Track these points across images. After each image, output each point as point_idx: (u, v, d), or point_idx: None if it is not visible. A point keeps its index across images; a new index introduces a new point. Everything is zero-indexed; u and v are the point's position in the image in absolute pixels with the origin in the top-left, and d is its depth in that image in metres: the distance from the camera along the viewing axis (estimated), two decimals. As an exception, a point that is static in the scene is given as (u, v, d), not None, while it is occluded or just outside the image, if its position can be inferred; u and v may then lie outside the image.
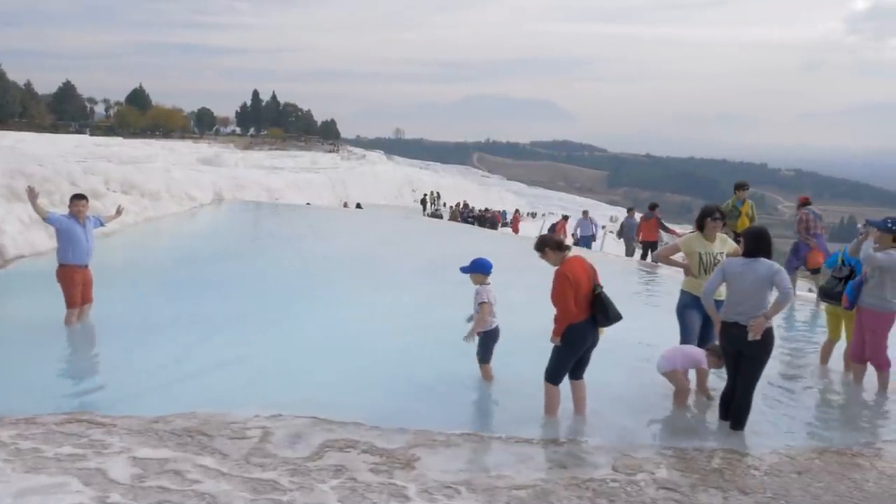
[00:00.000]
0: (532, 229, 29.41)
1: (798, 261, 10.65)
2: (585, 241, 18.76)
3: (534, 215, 55.81)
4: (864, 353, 6.20)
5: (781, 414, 5.72)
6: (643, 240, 14.76)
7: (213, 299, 9.13)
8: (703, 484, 4.28)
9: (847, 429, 5.45)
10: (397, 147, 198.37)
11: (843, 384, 6.51)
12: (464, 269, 6.01)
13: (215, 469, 4.19)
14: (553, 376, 5.30)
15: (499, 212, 43.40)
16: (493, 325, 5.96)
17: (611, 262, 15.72)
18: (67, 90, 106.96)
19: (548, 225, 30.46)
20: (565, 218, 24.86)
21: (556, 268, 5.21)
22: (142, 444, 4.52)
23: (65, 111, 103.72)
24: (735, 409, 5.18)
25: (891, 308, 5.89)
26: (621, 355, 7.06)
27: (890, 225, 5.84)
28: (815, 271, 10.30)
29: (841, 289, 6.37)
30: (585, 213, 19.32)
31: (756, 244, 5.05)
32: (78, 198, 7.94)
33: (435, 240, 17.95)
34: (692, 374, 5.93)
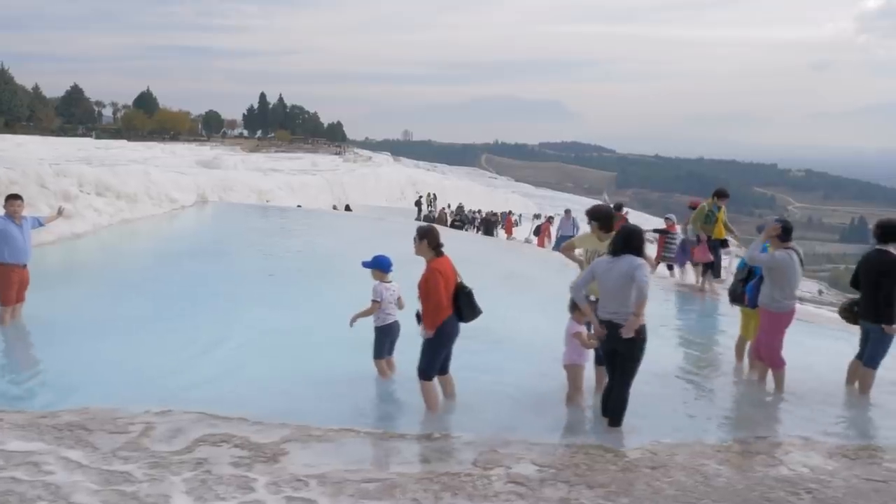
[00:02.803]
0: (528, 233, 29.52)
1: (685, 256, 11.76)
2: (566, 241, 18.75)
3: (538, 217, 55.66)
4: (763, 351, 6.28)
5: (671, 410, 5.80)
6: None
7: (154, 299, 9.29)
8: (553, 479, 4.36)
9: (728, 425, 5.51)
10: (405, 149, 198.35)
11: (744, 382, 6.57)
12: (365, 264, 6.16)
13: (76, 462, 4.32)
14: (426, 373, 5.48)
15: (500, 214, 43.11)
16: (389, 321, 6.09)
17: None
18: (75, 93, 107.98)
19: (534, 227, 30.52)
20: (549, 220, 24.85)
21: (428, 264, 5.37)
22: (18, 438, 4.66)
23: (73, 114, 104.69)
24: (612, 405, 5.26)
25: (780, 307, 5.95)
26: (531, 353, 7.14)
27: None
28: (707, 265, 11.13)
29: (742, 290, 6.46)
30: (567, 212, 19.15)
31: (625, 243, 5.14)
32: (13, 198, 8.10)
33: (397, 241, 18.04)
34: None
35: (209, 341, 7.43)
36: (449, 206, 44.67)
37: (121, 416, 5.19)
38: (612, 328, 5.08)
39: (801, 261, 6.00)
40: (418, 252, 5.54)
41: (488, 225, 33.36)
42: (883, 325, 5.79)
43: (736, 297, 6.58)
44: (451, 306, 5.44)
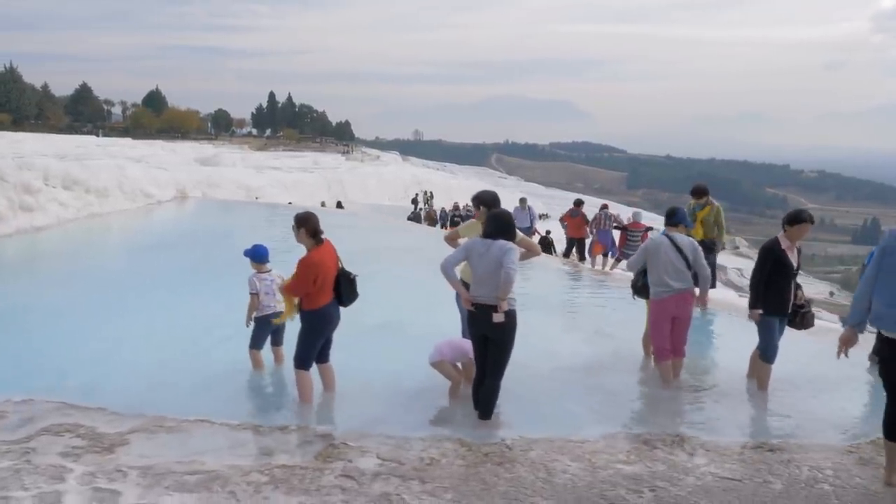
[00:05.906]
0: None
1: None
2: (523, 233, 18.19)
3: (546, 216, 55.32)
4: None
5: (556, 403, 5.57)
6: (570, 236, 14.57)
7: (86, 291, 9.23)
8: (390, 473, 4.16)
9: (607, 420, 5.19)
10: (416, 148, 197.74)
11: (644, 377, 6.33)
12: (245, 253, 6.02)
13: None
14: (303, 362, 5.28)
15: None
16: (268, 312, 5.93)
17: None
18: (84, 92, 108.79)
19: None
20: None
21: (305, 254, 5.18)
22: None
23: (81, 113, 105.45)
24: (483, 396, 5.05)
25: (653, 294, 5.84)
26: (422, 347, 6.89)
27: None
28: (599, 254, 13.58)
29: (643, 281, 6.24)
30: (523, 200, 16.64)
31: (496, 226, 4.97)
32: None
33: (360, 236, 17.87)
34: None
35: (111, 332, 7.33)
36: (457, 206, 44.31)
37: (-24, 405, 5.06)
38: (483, 313, 4.88)
39: (675, 246, 5.76)
40: (299, 240, 5.35)
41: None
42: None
43: (637, 289, 6.34)
44: (330, 294, 5.28)
